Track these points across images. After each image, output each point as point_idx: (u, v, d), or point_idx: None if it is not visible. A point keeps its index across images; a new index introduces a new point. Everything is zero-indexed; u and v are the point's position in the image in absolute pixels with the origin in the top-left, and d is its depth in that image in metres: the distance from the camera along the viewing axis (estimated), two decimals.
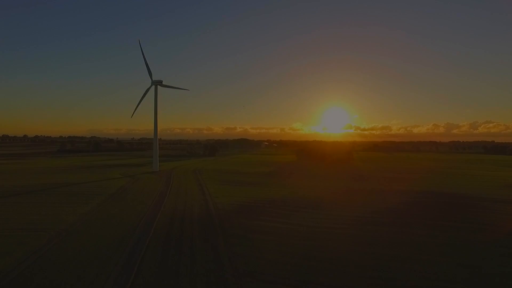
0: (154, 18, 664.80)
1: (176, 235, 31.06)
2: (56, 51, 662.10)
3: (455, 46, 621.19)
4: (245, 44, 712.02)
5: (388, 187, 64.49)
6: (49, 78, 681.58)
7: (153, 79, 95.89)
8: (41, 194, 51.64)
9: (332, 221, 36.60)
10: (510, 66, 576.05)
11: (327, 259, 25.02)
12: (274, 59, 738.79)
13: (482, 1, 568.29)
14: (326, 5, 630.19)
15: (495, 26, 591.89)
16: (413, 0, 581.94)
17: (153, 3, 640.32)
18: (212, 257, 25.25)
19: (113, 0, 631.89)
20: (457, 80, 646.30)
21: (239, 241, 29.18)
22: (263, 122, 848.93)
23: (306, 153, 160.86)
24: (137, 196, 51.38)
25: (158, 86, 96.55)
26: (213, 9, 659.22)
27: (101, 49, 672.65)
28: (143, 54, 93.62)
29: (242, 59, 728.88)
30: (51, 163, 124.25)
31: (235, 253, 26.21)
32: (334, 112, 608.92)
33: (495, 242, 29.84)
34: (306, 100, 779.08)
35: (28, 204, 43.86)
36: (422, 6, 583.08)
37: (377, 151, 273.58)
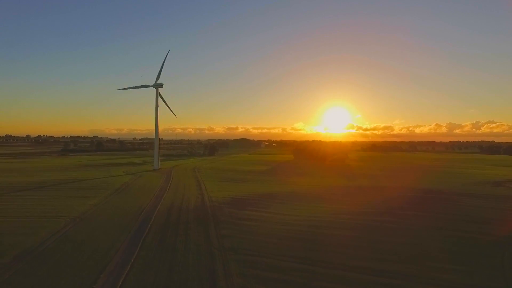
0: (155, 19, 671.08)
1: (174, 221, 36.04)
2: (58, 51, 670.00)
3: (458, 46, 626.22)
4: (247, 44, 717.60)
5: (375, 184, 69.35)
6: (52, 78, 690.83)
7: (157, 82, 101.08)
8: (52, 189, 56.78)
9: (311, 211, 41.49)
10: None
11: (300, 239, 29.96)
12: (277, 58, 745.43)
13: (484, 1, 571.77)
14: (328, 4, 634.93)
15: (498, 26, 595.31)
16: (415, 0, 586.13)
17: (153, 3, 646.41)
18: (203, 238, 30.22)
19: (115, 1, 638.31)
20: (460, 80, 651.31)
21: (228, 226, 34.15)
22: (265, 122, 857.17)
23: (303, 152, 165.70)
24: (139, 191, 56.37)
25: (156, 89, 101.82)
26: (214, 9, 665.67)
27: (103, 49, 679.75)
28: (164, 60, 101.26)
29: (243, 59, 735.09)
30: (57, 161, 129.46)
31: (223, 234, 31.16)
32: (336, 112, 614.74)
33: (448, 226, 34.75)
34: (308, 100, 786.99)
35: (43, 197, 48.94)
36: (424, 5, 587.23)
37: (375, 150, 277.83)
